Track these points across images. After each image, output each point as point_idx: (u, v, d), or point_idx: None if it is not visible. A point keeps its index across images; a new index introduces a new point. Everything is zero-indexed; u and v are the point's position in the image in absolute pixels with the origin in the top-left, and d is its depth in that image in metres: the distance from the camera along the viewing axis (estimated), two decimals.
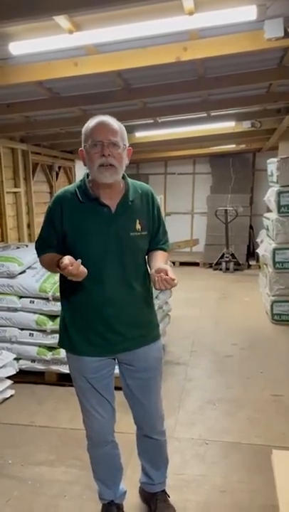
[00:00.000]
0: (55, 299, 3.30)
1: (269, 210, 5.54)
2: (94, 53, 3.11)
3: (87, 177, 1.74)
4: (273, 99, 4.56)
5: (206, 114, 5.36)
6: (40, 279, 3.44)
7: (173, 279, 1.57)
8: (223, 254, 8.05)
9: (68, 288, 1.76)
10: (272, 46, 2.89)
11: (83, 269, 1.58)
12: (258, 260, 6.90)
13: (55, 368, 3.37)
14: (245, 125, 5.69)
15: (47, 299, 3.35)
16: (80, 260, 1.57)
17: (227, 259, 7.98)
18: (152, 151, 7.87)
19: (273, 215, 4.94)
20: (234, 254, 8.06)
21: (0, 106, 4.22)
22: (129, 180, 1.78)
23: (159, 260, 1.77)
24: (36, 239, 1.86)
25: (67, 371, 2.11)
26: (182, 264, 8.40)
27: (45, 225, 1.79)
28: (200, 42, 3.01)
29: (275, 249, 4.81)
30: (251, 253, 8.37)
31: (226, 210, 8.00)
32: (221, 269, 8.01)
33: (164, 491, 2.08)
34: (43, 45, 2.82)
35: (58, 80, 3.43)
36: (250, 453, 2.53)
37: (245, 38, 2.94)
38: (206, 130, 6.18)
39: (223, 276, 7.70)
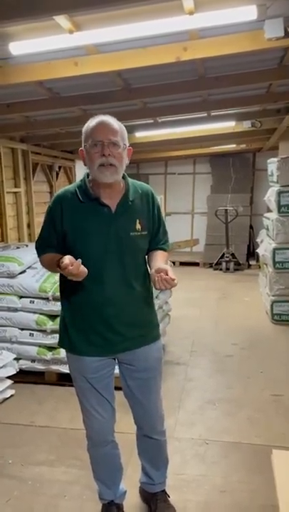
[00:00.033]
0: (55, 299, 3.30)
1: (269, 210, 5.54)
2: (94, 53, 3.11)
3: (88, 177, 1.74)
4: (273, 99, 4.56)
5: (206, 114, 5.36)
6: (40, 279, 3.44)
7: (173, 279, 1.57)
8: (224, 254, 8.05)
9: (68, 288, 1.76)
10: (272, 46, 2.89)
11: (83, 269, 1.58)
12: (258, 260, 6.90)
13: (55, 367, 3.37)
14: (246, 125, 5.69)
15: (47, 298, 3.35)
16: (80, 260, 1.57)
17: (227, 259, 7.98)
18: (152, 151, 7.87)
19: (273, 215, 4.94)
20: (234, 254, 8.06)
21: (0, 106, 4.22)
22: (130, 180, 1.79)
23: (159, 260, 1.77)
24: (36, 239, 1.86)
25: (68, 371, 2.11)
26: (182, 264, 8.40)
27: (46, 225, 1.79)
28: (200, 42, 3.01)
29: (275, 249, 4.81)
30: (251, 253, 8.37)
31: (226, 209, 8.00)
32: (221, 269, 8.01)
33: (164, 491, 2.08)
34: (43, 45, 2.82)
35: (58, 79, 3.43)
36: (250, 453, 2.53)
37: (246, 38, 2.94)
38: (206, 130, 6.18)
39: (223, 276, 7.70)
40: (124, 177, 1.76)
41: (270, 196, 5.04)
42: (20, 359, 3.45)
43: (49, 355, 3.34)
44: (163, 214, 1.95)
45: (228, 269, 7.94)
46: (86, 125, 1.69)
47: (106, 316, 1.75)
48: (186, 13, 2.49)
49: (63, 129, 5.69)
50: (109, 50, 3.09)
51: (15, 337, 3.43)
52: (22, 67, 3.21)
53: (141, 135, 6.07)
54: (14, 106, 4.22)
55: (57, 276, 2.04)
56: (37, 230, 5.82)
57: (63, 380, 3.29)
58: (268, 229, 5.26)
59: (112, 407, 1.89)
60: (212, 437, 2.70)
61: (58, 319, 1.97)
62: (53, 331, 3.29)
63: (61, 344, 1.89)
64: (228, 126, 6.10)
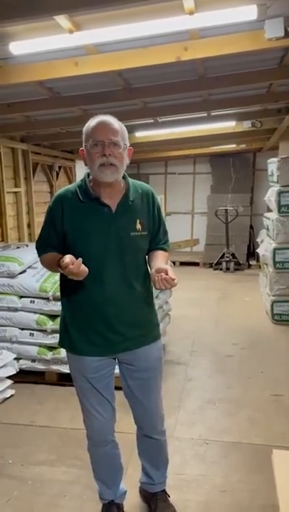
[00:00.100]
0: (55, 299, 3.30)
1: (269, 210, 5.54)
2: (94, 53, 3.11)
3: (88, 176, 1.75)
4: (274, 99, 4.56)
5: (206, 114, 5.36)
6: (40, 278, 3.44)
7: (173, 279, 1.57)
8: (224, 254, 8.05)
9: (68, 287, 1.76)
10: (272, 46, 2.89)
11: (84, 268, 1.58)
12: (258, 260, 6.90)
13: (55, 367, 3.37)
14: (246, 125, 5.69)
15: (47, 298, 3.35)
16: (80, 259, 1.57)
17: (227, 259, 7.98)
18: (153, 151, 7.87)
19: (274, 215, 4.94)
20: (234, 254, 8.06)
21: (0, 106, 4.21)
22: (130, 180, 1.79)
23: (160, 260, 1.77)
24: (37, 238, 1.86)
25: (68, 371, 2.11)
26: (182, 264, 8.39)
27: (46, 225, 1.79)
28: (200, 42, 3.01)
29: (275, 249, 4.81)
30: (251, 253, 8.36)
31: (226, 209, 8.00)
32: (221, 269, 8.01)
33: (164, 491, 2.09)
34: (44, 45, 2.82)
35: (58, 79, 3.43)
36: (251, 453, 2.53)
37: (246, 38, 2.93)
38: (207, 130, 6.18)
39: (224, 276, 7.70)
40: (124, 177, 1.76)
41: (270, 196, 5.04)
42: (20, 359, 3.45)
43: (49, 355, 3.34)
44: (163, 214, 1.95)
45: (228, 269, 7.94)
46: (87, 125, 1.69)
47: (106, 316, 1.75)
48: (186, 13, 2.49)
49: (64, 128, 5.69)
50: (110, 49, 3.09)
51: (15, 337, 3.43)
52: (22, 67, 3.21)
53: (141, 135, 6.06)
54: (15, 106, 4.22)
55: (57, 276, 2.04)
56: (37, 230, 5.82)
57: (64, 379, 3.29)
58: (268, 229, 5.26)
59: (113, 406, 1.89)
60: (212, 437, 2.70)
61: (59, 319, 1.97)
62: (54, 331, 3.29)
63: (61, 344, 1.89)
64: (229, 126, 6.09)
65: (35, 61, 3.15)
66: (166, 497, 2.08)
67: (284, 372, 3.59)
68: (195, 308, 5.47)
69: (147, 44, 3.01)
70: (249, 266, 8.21)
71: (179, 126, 5.80)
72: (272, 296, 4.89)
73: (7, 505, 2.16)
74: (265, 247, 5.31)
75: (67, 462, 2.49)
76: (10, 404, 3.16)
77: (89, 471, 2.04)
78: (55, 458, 2.54)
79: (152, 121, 5.50)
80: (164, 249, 1.87)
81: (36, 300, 3.41)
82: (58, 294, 1.94)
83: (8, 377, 3.24)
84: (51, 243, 1.77)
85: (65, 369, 3.24)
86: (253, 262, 8.15)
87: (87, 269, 1.59)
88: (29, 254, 3.61)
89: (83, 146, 1.69)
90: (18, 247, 4.02)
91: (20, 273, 3.53)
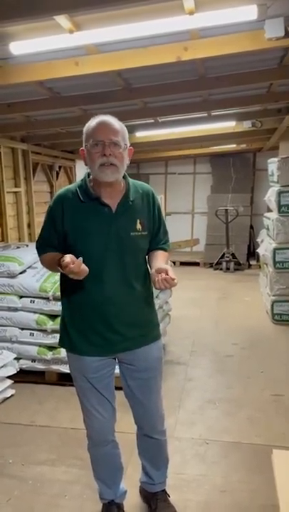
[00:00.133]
0: (55, 299, 3.30)
1: (269, 210, 5.54)
2: (94, 53, 3.11)
3: (88, 176, 1.75)
4: (274, 99, 4.56)
5: (206, 114, 5.36)
6: (40, 278, 3.45)
7: (173, 279, 1.57)
8: (224, 253, 8.05)
9: (68, 287, 1.77)
10: (272, 46, 2.89)
11: (84, 268, 1.58)
12: (258, 260, 6.90)
13: (55, 367, 3.37)
14: (246, 125, 5.69)
15: (47, 298, 3.35)
16: (81, 258, 1.57)
17: (227, 259, 7.98)
18: (153, 151, 7.87)
19: (274, 215, 4.94)
20: (234, 254, 8.06)
21: (0, 106, 4.22)
22: (130, 180, 1.79)
23: (160, 260, 1.77)
24: (37, 238, 1.86)
25: (68, 371, 2.11)
26: (182, 263, 8.40)
27: (46, 225, 1.79)
28: (200, 42, 3.01)
29: (275, 249, 4.81)
30: (252, 253, 8.36)
31: (226, 209, 8.00)
32: (221, 269, 8.01)
33: (164, 491, 2.09)
34: (44, 45, 2.82)
35: (58, 79, 3.43)
36: (251, 453, 2.53)
37: (246, 38, 2.93)
38: (207, 130, 6.18)
39: (224, 276, 7.70)
40: (124, 177, 1.76)
41: (271, 196, 5.04)
42: (20, 359, 3.45)
43: (49, 355, 3.34)
44: (163, 214, 1.95)
45: (228, 269, 7.94)
46: (87, 125, 1.69)
47: (106, 316, 1.75)
48: (186, 13, 2.49)
49: (64, 128, 5.69)
50: (110, 49, 3.09)
51: (15, 337, 3.43)
52: (22, 67, 3.22)
53: (141, 135, 6.06)
54: (15, 106, 4.22)
55: (57, 276, 2.04)
56: (37, 230, 5.82)
57: (64, 379, 3.29)
58: (268, 229, 5.26)
59: (113, 406, 1.89)
60: (212, 437, 2.70)
61: (59, 319, 1.97)
62: (54, 331, 3.29)
63: (61, 344, 1.89)
64: (229, 126, 6.09)
65: (35, 61, 3.15)
66: (166, 497, 2.08)
67: (284, 372, 3.59)
68: (195, 308, 5.47)
69: (147, 44, 3.01)
70: (249, 266, 8.21)
71: (179, 126, 5.80)
72: (273, 296, 4.89)
73: (7, 505, 2.17)
74: (265, 247, 5.31)
75: (67, 462, 2.49)
76: (10, 404, 3.16)
77: (89, 471, 2.04)
78: (55, 458, 2.54)
79: (152, 121, 5.51)
80: (164, 249, 1.87)
81: (36, 300, 3.41)
82: (58, 293, 1.94)
83: (9, 377, 3.24)
84: (51, 243, 1.77)
85: (65, 369, 3.24)
86: (253, 262, 8.15)
87: (87, 268, 1.59)
88: (29, 254, 3.61)
89: (83, 145, 1.69)
90: (18, 247, 4.02)
91: (21, 273, 3.53)
